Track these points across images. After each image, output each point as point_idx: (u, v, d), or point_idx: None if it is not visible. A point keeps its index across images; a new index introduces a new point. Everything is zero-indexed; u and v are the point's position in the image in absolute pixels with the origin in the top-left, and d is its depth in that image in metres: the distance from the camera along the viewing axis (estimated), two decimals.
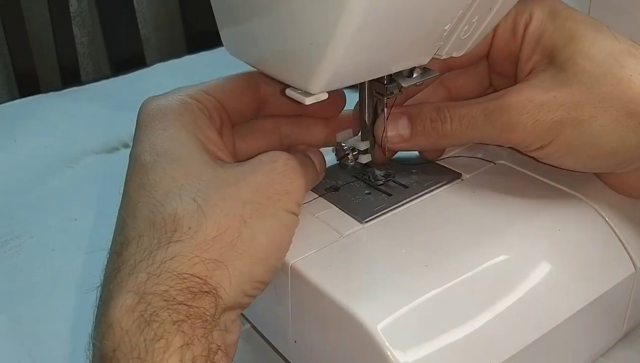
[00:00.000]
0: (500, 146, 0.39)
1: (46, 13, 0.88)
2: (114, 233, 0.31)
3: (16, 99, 0.81)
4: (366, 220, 0.36)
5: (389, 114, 0.38)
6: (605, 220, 0.37)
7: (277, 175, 0.32)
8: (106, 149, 0.68)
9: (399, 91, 0.37)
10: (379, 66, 0.33)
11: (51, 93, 0.79)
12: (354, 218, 0.36)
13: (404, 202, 0.38)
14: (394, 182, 0.39)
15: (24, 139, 0.70)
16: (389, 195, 0.38)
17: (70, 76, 0.91)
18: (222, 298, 0.29)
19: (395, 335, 0.30)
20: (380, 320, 0.30)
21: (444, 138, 0.37)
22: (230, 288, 0.29)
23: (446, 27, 0.32)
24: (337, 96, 0.38)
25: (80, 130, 0.71)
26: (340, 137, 0.40)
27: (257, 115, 0.38)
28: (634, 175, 0.36)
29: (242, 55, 0.35)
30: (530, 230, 0.36)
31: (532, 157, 0.37)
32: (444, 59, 0.36)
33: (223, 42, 0.36)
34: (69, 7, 0.90)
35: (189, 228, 0.29)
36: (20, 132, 0.71)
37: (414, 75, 0.36)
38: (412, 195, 0.38)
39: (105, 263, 0.31)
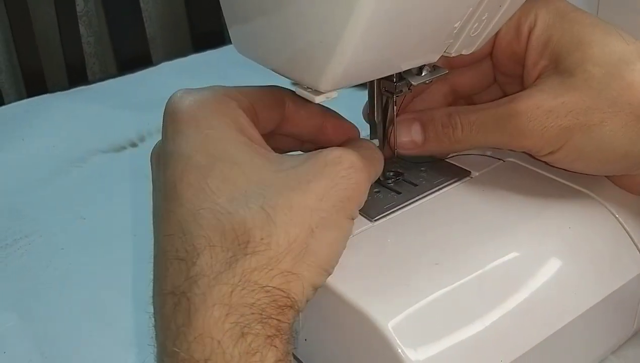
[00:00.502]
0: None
1: (52, 13, 0.89)
2: (160, 233, 0.30)
3: (24, 98, 0.81)
4: (376, 218, 0.36)
5: (398, 111, 0.38)
6: (616, 218, 0.37)
7: (342, 179, 0.30)
8: (113, 148, 0.68)
9: (409, 89, 0.37)
10: (389, 64, 0.33)
11: (58, 93, 0.79)
12: (363, 216, 0.36)
13: (414, 200, 0.38)
14: (403, 180, 0.39)
15: (31, 138, 0.70)
16: (399, 193, 0.38)
17: (77, 75, 0.92)
18: (297, 310, 0.29)
19: (406, 333, 0.30)
20: (392, 318, 0.30)
21: (455, 144, 0.36)
22: (302, 299, 0.29)
23: (456, 25, 0.32)
24: (352, 126, 0.38)
25: (87, 129, 0.71)
26: None
27: (275, 131, 0.36)
28: None
29: (251, 54, 0.35)
30: (540, 228, 0.36)
31: (545, 162, 0.37)
32: (448, 58, 0.35)
33: (232, 40, 0.36)
34: (75, 7, 0.91)
35: (261, 239, 0.28)
36: (28, 131, 0.71)
37: (424, 73, 0.36)
38: (422, 193, 0.38)
39: (159, 267, 0.30)
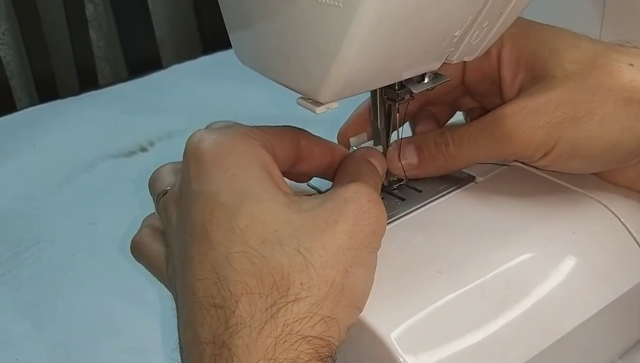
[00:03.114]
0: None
1: (63, 17, 0.89)
2: (190, 276, 0.29)
3: (36, 103, 0.82)
4: None
5: (402, 120, 0.38)
6: (621, 222, 0.37)
7: (365, 214, 0.30)
8: (123, 152, 0.69)
9: (411, 96, 0.37)
10: (389, 73, 0.33)
11: (69, 98, 0.80)
12: None
13: (418, 206, 0.38)
14: (407, 186, 0.39)
15: (43, 144, 0.71)
16: (403, 199, 0.38)
17: (88, 80, 0.92)
18: (334, 358, 0.28)
19: (409, 343, 0.30)
20: (394, 329, 0.30)
21: (450, 160, 0.37)
22: (337, 343, 0.29)
23: (456, 34, 0.32)
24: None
25: (98, 134, 0.72)
26: (354, 141, 0.40)
27: (289, 170, 0.36)
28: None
29: (252, 64, 0.35)
30: (544, 233, 0.36)
31: (538, 167, 0.37)
32: (425, 94, 0.36)
33: (234, 50, 0.36)
34: (85, 11, 0.91)
35: (301, 284, 0.28)
36: (39, 137, 0.72)
37: (425, 81, 0.36)
38: (426, 200, 0.38)
39: (192, 313, 0.29)
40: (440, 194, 0.38)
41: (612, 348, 0.38)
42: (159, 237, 0.37)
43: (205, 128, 0.35)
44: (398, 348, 0.30)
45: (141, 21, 0.95)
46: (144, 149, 0.69)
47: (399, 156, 0.38)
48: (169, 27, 1.04)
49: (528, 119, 0.34)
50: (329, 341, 0.28)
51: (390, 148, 0.38)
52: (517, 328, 0.32)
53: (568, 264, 0.35)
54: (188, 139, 0.33)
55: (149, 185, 0.38)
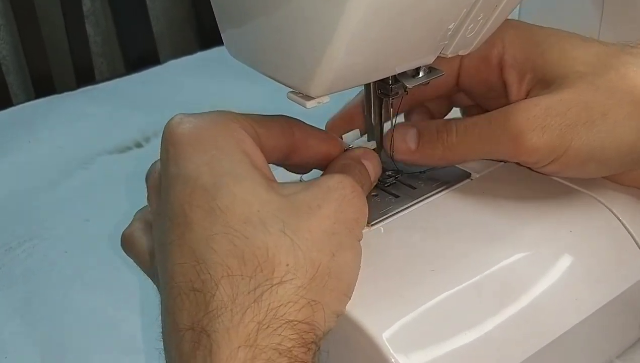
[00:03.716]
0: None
1: (59, 13, 0.89)
2: (168, 262, 0.28)
3: (32, 99, 0.82)
4: (372, 222, 0.36)
5: (394, 114, 0.37)
6: (619, 220, 0.36)
7: (348, 202, 0.30)
8: (119, 149, 0.68)
9: (405, 91, 0.36)
10: (381, 68, 0.32)
11: (65, 93, 0.80)
12: None
13: (412, 204, 0.37)
14: (401, 183, 0.39)
15: (38, 140, 0.70)
16: (396, 196, 0.38)
17: (84, 75, 0.92)
18: (319, 344, 0.28)
19: (401, 343, 0.29)
20: (386, 329, 0.30)
21: (448, 150, 0.35)
22: (324, 330, 0.28)
23: (450, 26, 0.31)
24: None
25: (93, 130, 0.72)
26: (347, 138, 0.40)
27: (283, 163, 0.35)
28: None
29: (243, 58, 0.35)
30: (541, 231, 0.35)
31: (547, 173, 0.35)
32: (411, 94, 0.36)
33: (224, 44, 0.36)
34: (82, 7, 0.91)
35: (287, 265, 0.27)
36: (35, 133, 0.71)
37: (420, 75, 0.35)
38: (420, 197, 0.37)
39: (171, 299, 0.28)
40: (435, 191, 0.38)
41: (609, 349, 0.37)
42: (149, 231, 0.36)
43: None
44: (389, 348, 0.29)
45: (138, 17, 0.95)
46: (139, 145, 0.69)
47: (392, 140, 0.37)
48: (166, 22, 1.03)
49: (540, 116, 0.33)
50: (314, 326, 0.27)
51: (387, 131, 0.37)
52: (512, 328, 0.32)
53: (565, 263, 0.34)
54: (167, 122, 0.32)
55: (145, 179, 0.38)
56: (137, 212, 0.39)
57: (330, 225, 0.29)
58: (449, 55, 0.34)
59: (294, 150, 0.34)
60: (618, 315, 0.36)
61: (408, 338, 0.30)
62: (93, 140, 0.69)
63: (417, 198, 0.37)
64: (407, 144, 0.36)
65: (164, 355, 0.29)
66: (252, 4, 0.31)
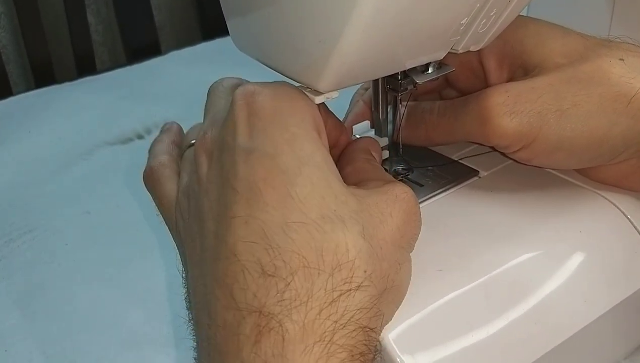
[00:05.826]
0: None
1: (60, 1, 0.88)
2: (231, 235, 0.27)
3: (32, 89, 0.81)
4: None
5: (404, 110, 0.36)
6: (630, 221, 0.36)
7: (413, 216, 0.30)
8: (120, 140, 0.67)
9: (414, 87, 0.35)
10: (391, 63, 0.32)
11: (65, 83, 0.79)
12: None
13: (419, 201, 0.36)
14: (409, 180, 0.38)
15: (38, 130, 0.70)
16: None
17: (85, 65, 0.91)
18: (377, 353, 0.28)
19: (407, 344, 0.29)
20: (392, 329, 0.29)
21: (430, 130, 0.36)
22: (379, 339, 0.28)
23: (463, 22, 0.30)
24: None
25: (94, 120, 0.71)
26: (356, 130, 0.39)
27: None
28: (626, 164, 0.35)
29: (250, 51, 0.34)
30: (550, 231, 0.34)
31: (519, 161, 0.36)
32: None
33: (231, 36, 0.35)
34: None
35: (365, 272, 0.27)
36: (35, 123, 0.71)
37: (430, 71, 0.34)
38: (428, 194, 0.37)
39: (228, 273, 0.27)
40: (443, 189, 0.37)
41: (617, 349, 0.37)
42: (173, 177, 0.34)
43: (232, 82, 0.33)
44: (396, 348, 0.29)
45: (140, 6, 0.94)
46: (140, 136, 0.68)
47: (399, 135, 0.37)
48: (168, 12, 1.02)
49: (510, 103, 0.33)
50: (378, 335, 0.28)
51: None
52: (520, 329, 0.31)
53: (574, 264, 0.34)
54: (236, 90, 0.30)
55: (186, 133, 0.36)
56: (156, 144, 0.37)
57: (399, 238, 0.29)
58: (460, 51, 0.33)
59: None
60: (627, 316, 0.35)
61: (415, 339, 0.29)
62: (94, 131, 0.69)
63: (424, 196, 0.37)
64: (399, 123, 0.37)
65: (190, 323, 0.29)
66: None
